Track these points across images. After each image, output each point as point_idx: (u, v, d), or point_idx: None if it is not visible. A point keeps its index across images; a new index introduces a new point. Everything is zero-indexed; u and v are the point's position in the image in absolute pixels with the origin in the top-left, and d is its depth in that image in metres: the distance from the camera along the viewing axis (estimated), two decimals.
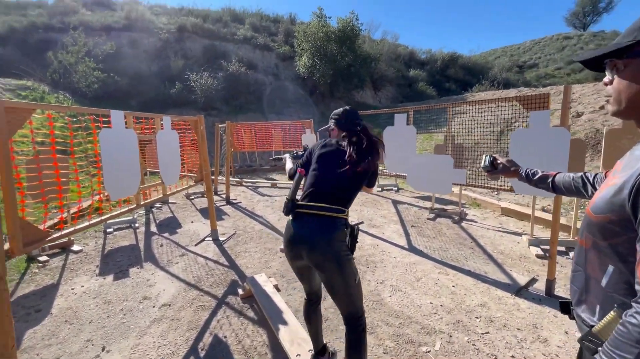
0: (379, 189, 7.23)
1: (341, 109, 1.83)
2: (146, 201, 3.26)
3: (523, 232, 4.33)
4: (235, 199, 6.78)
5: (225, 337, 2.34)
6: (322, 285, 1.72)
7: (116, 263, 3.67)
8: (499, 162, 1.35)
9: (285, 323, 2.30)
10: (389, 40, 24.31)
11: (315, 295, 1.86)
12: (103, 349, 2.25)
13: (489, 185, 3.44)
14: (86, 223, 2.34)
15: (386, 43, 22.89)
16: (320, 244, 1.51)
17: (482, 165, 1.32)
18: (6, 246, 1.81)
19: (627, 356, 0.58)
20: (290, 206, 1.59)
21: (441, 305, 2.70)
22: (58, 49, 12.84)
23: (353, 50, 16.16)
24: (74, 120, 7.86)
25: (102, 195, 3.57)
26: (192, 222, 5.21)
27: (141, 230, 4.83)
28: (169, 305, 2.78)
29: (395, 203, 6.15)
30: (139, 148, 5.72)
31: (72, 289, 3.09)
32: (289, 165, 2.08)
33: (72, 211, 3.82)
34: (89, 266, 3.59)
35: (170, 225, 5.06)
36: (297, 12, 39.83)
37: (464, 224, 4.77)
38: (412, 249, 3.90)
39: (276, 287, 2.94)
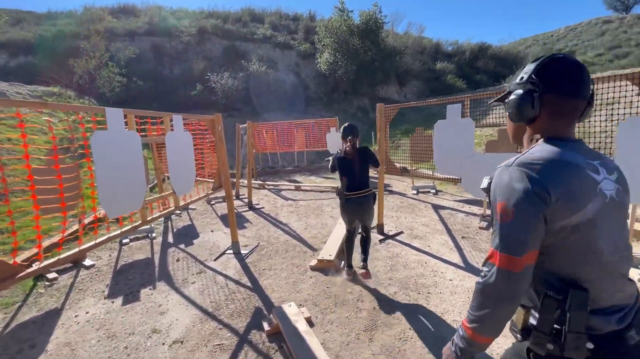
0: (414, 192, 6.54)
1: (344, 125, 3.05)
2: (153, 217, 2.80)
3: None
4: (257, 204, 6.32)
5: None
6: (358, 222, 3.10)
7: (127, 282, 3.26)
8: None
9: None
10: (414, 33, 23.27)
11: (354, 230, 3.15)
12: None
13: None
14: (76, 249, 1.88)
15: (411, 36, 21.89)
16: (368, 205, 2.98)
17: (482, 186, 1.06)
18: None
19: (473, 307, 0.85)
20: (344, 195, 2.95)
21: None
22: (83, 55, 13.01)
23: (376, 44, 15.42)
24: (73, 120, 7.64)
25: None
26: (212, 231, 4.77)
27: (158, 241, 4.45)
28: (182, 342, 2.30)
29: (436, 208, 5.45)
30: (156, 151, 5.25)
31: (76, 316, 2.69)
32: (330, 163, 3.15)
33: (73, 229, 3.46)
34: (98, 286, 3.20)
35: (189, 235, 4.64)
36: (316, 10, 39.30)
37: None
38: (469, 268, 3.23)
39: (309, 321, 2.39)
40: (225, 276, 3.31)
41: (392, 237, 4.17)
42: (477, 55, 22.48)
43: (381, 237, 4.15)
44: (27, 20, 18.92)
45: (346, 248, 3.12)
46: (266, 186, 7.93)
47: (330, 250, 3.56)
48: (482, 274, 0.82)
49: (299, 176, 9.47)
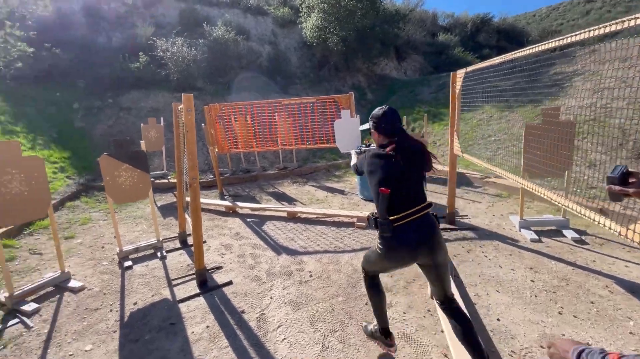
0: (532, 235, 3.68)
1: (380, 111, 1.70)
2: None
3: None
4: (220, 266, 3.22)
5: None
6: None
7: None
8: (633, 179, 0.88)
9: None
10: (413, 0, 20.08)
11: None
12: None
13: None
14: None
15: (410, 3, 18.73)
16: (436, 232, 1.57)
17: (609, 174, 0.93)
18: None
19: None
20: (388, 223, 1.53)
21: None
22: None
23: (375, 6, 12.25)
24: None
25: None
26: None
27: None
28: None
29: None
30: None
31: None
32: (353, 160, 2.08)
33: None
34: None
35: None
36: None
37: None
38: None
39: None
40: None
41: None
42: (479, 28, 19.88)
43: None
44: None
45: (374, 302, 1.84)
46: (239, 209, 4.82)
47: None
48: None
49: (287, 184, 6.39)
